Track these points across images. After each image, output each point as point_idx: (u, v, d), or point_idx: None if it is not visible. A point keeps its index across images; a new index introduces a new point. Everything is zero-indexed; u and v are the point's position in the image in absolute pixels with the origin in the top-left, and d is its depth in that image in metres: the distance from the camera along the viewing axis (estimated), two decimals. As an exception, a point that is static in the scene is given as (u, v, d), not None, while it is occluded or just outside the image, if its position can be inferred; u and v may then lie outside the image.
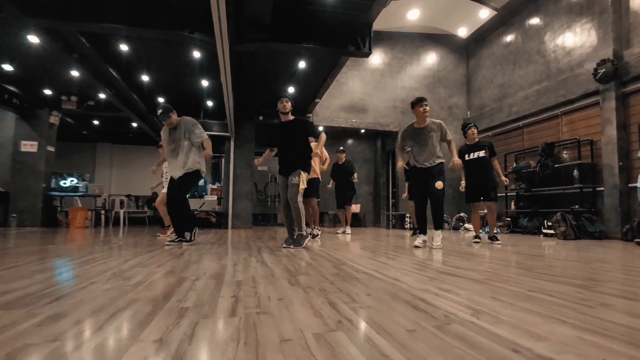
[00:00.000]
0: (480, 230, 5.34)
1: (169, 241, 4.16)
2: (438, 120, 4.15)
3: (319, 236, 5.43)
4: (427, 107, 4.02)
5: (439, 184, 3.99)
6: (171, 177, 4.20)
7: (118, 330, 1.12)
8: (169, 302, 1.47)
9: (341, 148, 6.97)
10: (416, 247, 4.06)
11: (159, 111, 3.97)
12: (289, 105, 4.04)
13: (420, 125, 4.09)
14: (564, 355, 0.94)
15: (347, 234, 6.76)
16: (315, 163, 5.50)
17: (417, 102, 4.03)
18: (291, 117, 4.10)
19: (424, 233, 4.21)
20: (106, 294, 1.61)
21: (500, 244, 4.72)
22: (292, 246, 3.86)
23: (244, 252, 3.45)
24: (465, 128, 5.03)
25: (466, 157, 4.87)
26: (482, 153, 4.81)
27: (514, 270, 2.47)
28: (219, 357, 0.92)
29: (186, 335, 1.08)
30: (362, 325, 1.19)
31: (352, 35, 5.08)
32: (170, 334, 1.09)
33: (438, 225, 4.12)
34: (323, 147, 5.30)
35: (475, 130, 4.97)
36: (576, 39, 7.24)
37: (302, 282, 1.93)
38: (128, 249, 3.66)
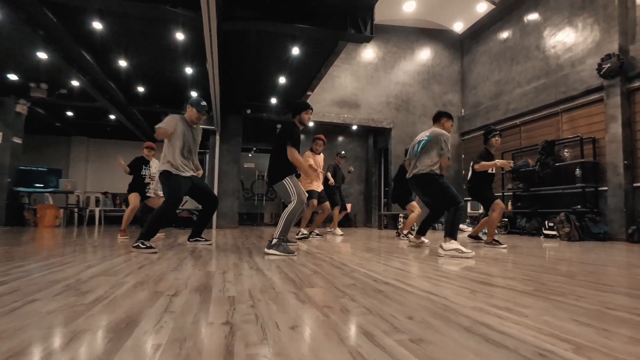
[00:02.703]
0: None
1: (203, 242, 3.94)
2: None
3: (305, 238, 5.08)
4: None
5: None
6: (178, 178, 3.45)
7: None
8: (133, 335, 1.00)
9: (342, 153, 6.84)
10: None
11: (203, 102, 3.49)
12: None
13: None
14: None
15: (341, 234, 6.42)
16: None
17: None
18: None
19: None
20: (43, 321, 1.13)
21: (505, 247, 4.25)
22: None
23: (232, 256, 2.98)
24: (489, 135, 4.38)
25: (488, 171, 4.33)
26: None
27: (557, 279, 2.09)
28: None
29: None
30: (436, 380, 0.76)
31: (352, 16, 4.64)
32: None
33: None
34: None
35: (500, 140, 4.44)
36: (578, 34, 7.02)
37: (314, 298, 1.49)
38: (95, 252, 3.13)
